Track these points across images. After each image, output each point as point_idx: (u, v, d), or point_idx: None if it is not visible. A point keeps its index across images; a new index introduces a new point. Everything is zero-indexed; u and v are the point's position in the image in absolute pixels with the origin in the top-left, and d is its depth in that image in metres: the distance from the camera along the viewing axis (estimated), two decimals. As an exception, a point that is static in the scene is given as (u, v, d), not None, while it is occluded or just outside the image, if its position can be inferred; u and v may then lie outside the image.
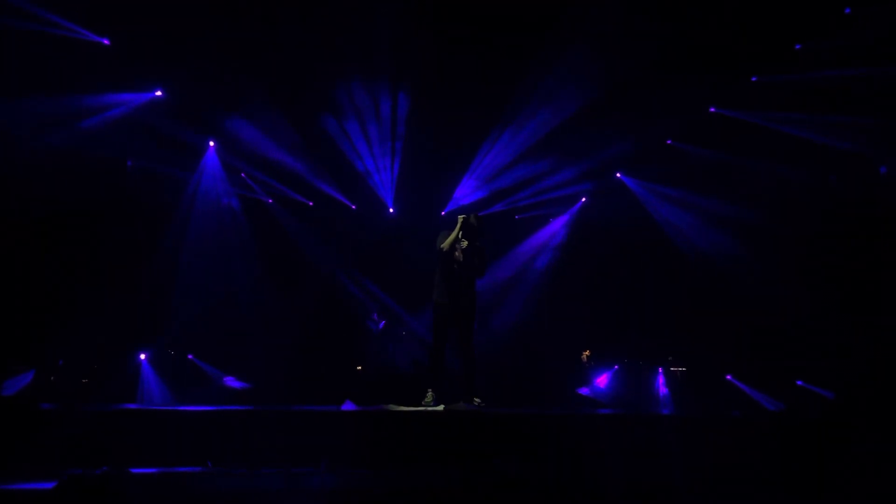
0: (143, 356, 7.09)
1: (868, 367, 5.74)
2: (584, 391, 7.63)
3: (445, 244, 5.14)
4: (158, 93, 6.68)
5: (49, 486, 2.99)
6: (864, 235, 6.55)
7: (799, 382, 7.09)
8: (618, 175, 8.29)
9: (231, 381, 7.11)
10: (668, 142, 7.81)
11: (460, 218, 5.28)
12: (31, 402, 4.42)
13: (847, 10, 5.99)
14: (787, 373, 7.11)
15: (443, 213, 8.24)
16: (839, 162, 6.83)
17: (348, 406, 4.69)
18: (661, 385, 7.71)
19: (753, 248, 7.37)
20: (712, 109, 7.33)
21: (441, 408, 4.90)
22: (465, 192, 8.16)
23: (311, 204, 8.25)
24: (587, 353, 7.88)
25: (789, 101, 6.68)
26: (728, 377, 7.60)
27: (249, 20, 6.02)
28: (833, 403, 5.93)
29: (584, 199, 8.61)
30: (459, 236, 5.16)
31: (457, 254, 5.23)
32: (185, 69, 6.43)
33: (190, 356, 7.39)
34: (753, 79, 6.87)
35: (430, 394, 5.08)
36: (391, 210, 8.25)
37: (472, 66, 6.73)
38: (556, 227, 8.72)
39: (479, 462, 3.76)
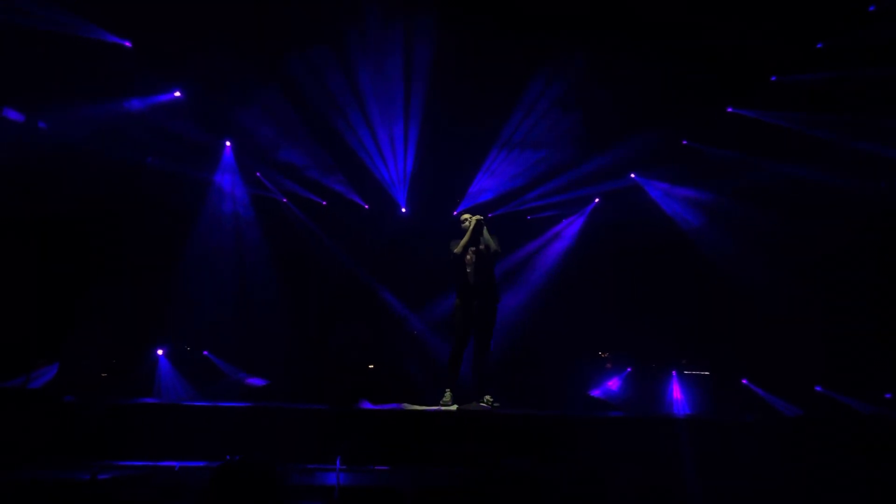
0: (160, 352, 7.22)
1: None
2: (596, 393, 7.59)
3: (458, 248, 5.14)
4: (177, 94, 6.79)
5: (84, 476, 3.04)
6: (886, 240, 6.41)
7: (818, 388, 6.97)
8: (632, 175, 8.23)
9: (250, 380, 7.19)
10: (684, 142, 7.74)
11: (474, 219, 5.27)
12: (55, 394, 4.53)
13: (871, 8, 5.87)
14: (805, 378, 6.99)
15: (455, 212, 8.25)
16: (852, 161, 6.70)
17: (364, 404, 4.73)
18: (675, 388, 7.64)
19: (770, 251, 7.27)
20: (729, 109, 7.25)
21: (454, 408, 4.92)
22: (478, 191, 8.16)
23: (324, 203, 8.33)
24: (602, 354, 7.84)
25: (809, 101, 6.58)
26: (744, 381, 7.50)
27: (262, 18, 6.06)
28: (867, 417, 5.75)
29: (597, 200, 8.56)
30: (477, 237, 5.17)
31: (468, 256, 5.22)
32: (203, 69, 6.52)
33: (206, 353, 7.50)
34: (773, 78, 6.78)
35: (448, 393, 5.09)
36: (404, 210, 8.28)
37: (487, 64, 6.71)
38: (569, 227, 8.68)
39: (491, 462, 3.77)
